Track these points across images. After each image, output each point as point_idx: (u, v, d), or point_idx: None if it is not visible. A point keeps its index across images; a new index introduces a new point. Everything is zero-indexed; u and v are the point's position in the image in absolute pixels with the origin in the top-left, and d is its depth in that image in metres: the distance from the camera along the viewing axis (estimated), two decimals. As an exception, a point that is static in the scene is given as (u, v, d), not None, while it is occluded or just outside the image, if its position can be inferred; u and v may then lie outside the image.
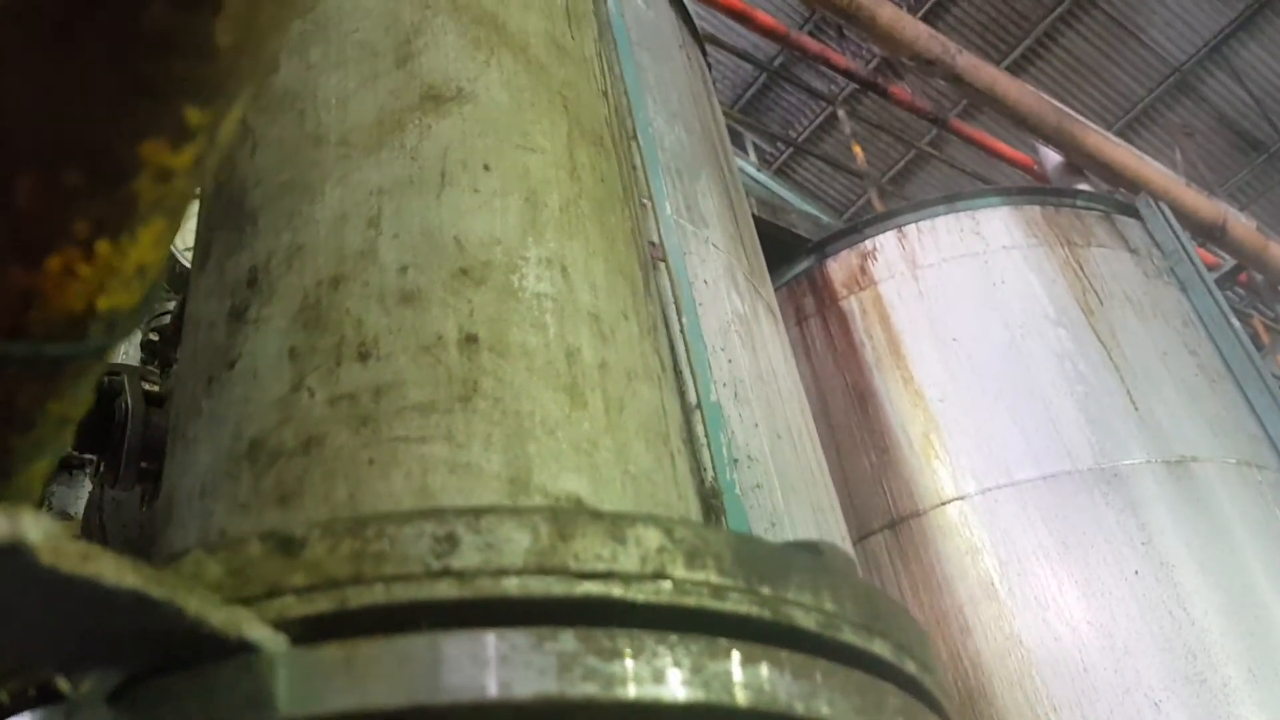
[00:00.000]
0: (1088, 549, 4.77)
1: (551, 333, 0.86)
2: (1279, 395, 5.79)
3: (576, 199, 0.98)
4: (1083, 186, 7.30)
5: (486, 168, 0.94)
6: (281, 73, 1.02)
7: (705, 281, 3.70)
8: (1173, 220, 6.27)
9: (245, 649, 0.56)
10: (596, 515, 0.62)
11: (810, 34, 10.72)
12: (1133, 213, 6.34)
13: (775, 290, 5.79)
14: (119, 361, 1.54)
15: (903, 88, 8.03)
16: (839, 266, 6.06)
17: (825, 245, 6.11)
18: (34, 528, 0.44)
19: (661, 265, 3.24)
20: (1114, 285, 5.79)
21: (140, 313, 0.58)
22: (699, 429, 2.82)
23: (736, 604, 0.62)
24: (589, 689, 0.57)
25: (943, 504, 5.16)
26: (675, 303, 3.09)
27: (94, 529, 1.29)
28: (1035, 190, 6.39)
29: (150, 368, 1.77)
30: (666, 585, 0.60)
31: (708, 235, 3.94)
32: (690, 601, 0.61)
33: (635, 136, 3.47)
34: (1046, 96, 7.48)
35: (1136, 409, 5.24)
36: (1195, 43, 12.20)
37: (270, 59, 0.56)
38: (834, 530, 3.51)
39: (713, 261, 3.86)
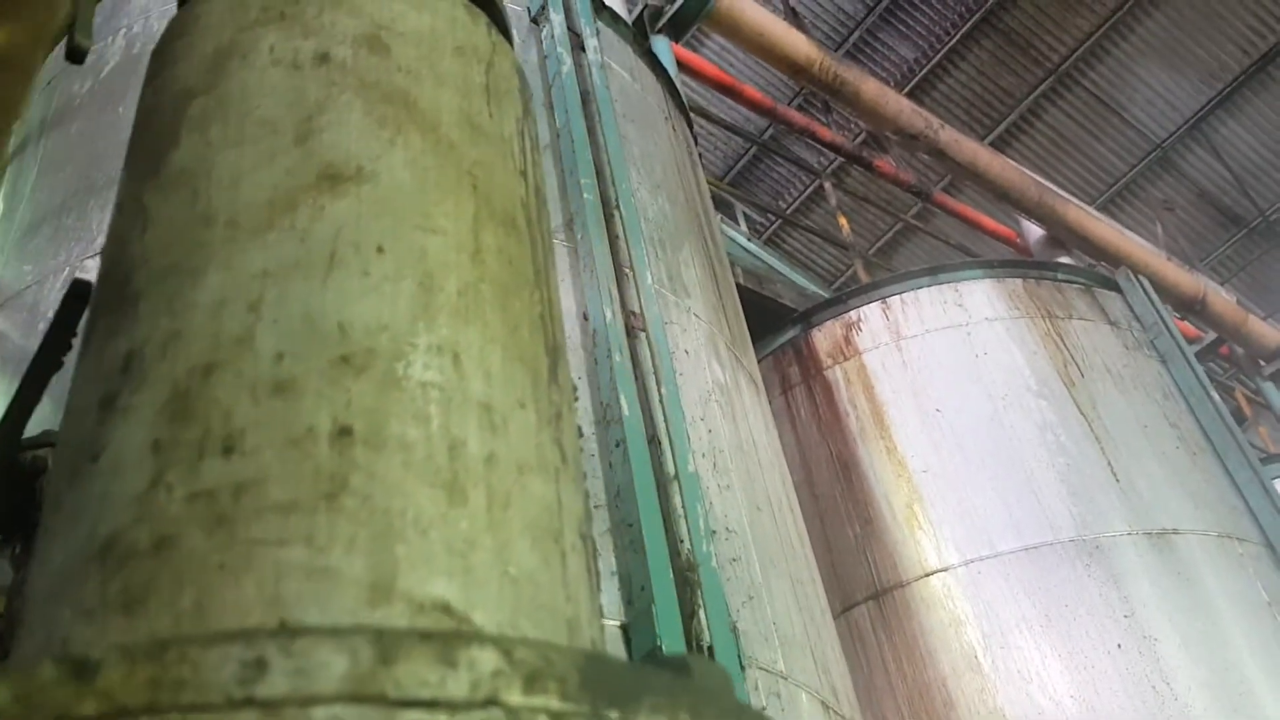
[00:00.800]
0: (1070, 622, 4.71)
1: (435, 424, 0.80)
2: (1259, 469, 5.74)
3: (477, 283, 0.93)
4: (1064, 260, 7.32)
5: (380, 250, 0.90)
6: (180, 149, 0.97)
7: (686, 351, 3.67)
8: (1153, 294, 6.27)
9: (15, 789, 0.50)
10: (426, 636, 0.56)
11: (798, 108, 10.85)
12: (1113, 286, 6.36)
13: (761, 359, 5.77)
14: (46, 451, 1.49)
15: (888, 161, 8.09)
16: (824, 336, 6.06)
17: (811, 315, 6.12)
18: None
19: (641, 335, 3.20)
20: (1095, 357, 5.79)
21: None
22: (676, 500, 2.77)
23: (577, 740, 0.56)
24: None
25: (926, 575, 5.10)
26: (655, 373, 3.05)
27: (15, 614, 1.22)
28: (1017, 263, 6.41)
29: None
30: (498, 714, 0.55)
31: (689, 305, 3.91)
32: (520, 729, 0.55)
33: (619, 207, 3.47)
34: (1028, 171, 7.53)
35: (1118, 481, 5.21)
36: (1176, 120, 12.35)
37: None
38: (814, 603, 3.43)
39: (694, 331, 3.83)
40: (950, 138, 6.80)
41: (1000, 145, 11.94)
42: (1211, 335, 8.38)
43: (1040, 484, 5.19)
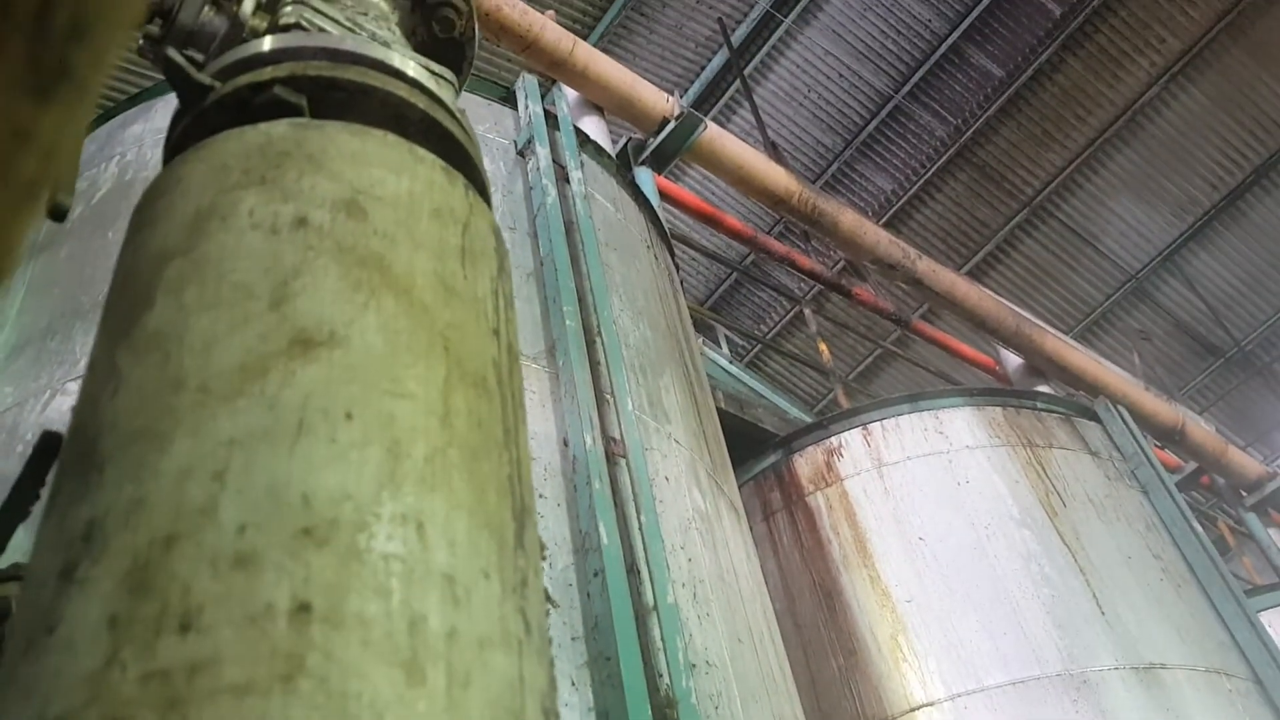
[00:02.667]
0: (1061, 760, 4.61)
1: (396, 599, 0.80)
2: (1244, 602, 5.71)
3: (445, 448, 0.93)
4: (1043, 388, 7.40)
5: (349, 416, 0.90)
6: (155, 311, 0.99)
7: (666, 478, 3.66)
8: (1131, 424, 6.32)
9: None
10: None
11: (778, 236, 11.07)
12: (1092, 416, 6.41)
13: (742, 484, 5.76)
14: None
15: (866, 289, 8.23)
16: (805, 462, 6.06)
17: (791, 441, 6.13)
18: None
19: (621, 462, 3.20)
20: (1076, 487, 5.80)
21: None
22: (655, 632, 2.72)
23: None
24: None
25: (912, 710, 5.01)
26: (635, 500, 3.03)
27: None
28: (997, 391, 6.47)
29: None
30: None
31: (670, 430, 3.92)
32: None
33: (600, 334, 3.50)
34: (1005, 301, 7.67)
35: (1103, 613, 5.16)
36: (1149, 251, 12.63)
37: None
38: (796, 740, 3.35)
39: (674, 457, 3.83)
40: (928, 268, 6.94)
41: (977, 275, 12.17)
42: (1192, 465, 8.42)
43: (1026, 616, 5.14)
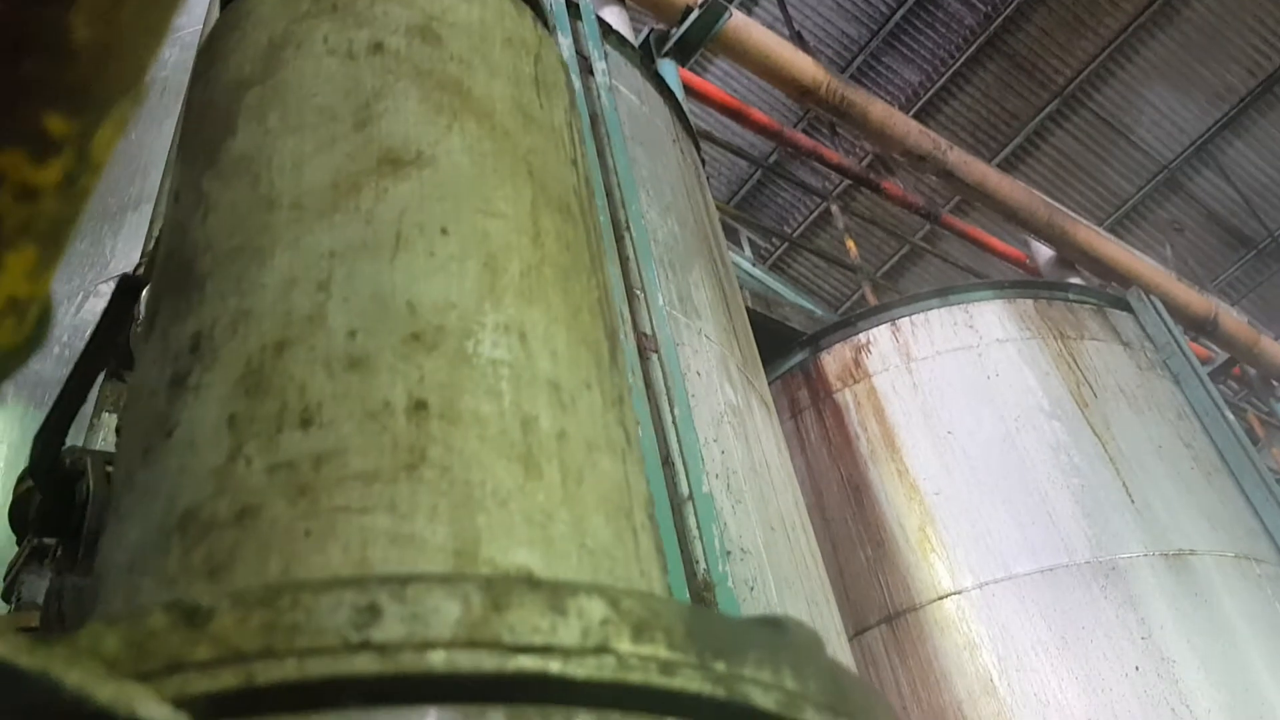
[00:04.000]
0: (1087, 644, 4.68)
1: (507, 400, 0.81)
2: (1275, 489, 5.74)
3: (539, 265, 0.94)
4: (1075, 281, 7.34)
5: (444, 231, 0.91)
6: (238, 137, 0.99)
7: (698, 373, 3.68)
8: (1164, 314, 6.29)
9: (133, 741, 0.51)
10: (535, 584, 0.57)
11: (804, 131, 10.92)
12: (1125, 306, 6.38)
13: (770, 383, 5.78)
14: (83, 446, 1.50)
15: (895, 183, 8.13)
16: (833, 360, 6.06)
17: (819, 339, 6.12)
18: None
19: (654, 356, 3.22)
20: (1108, 378, 5.79)
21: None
22: (691, 521, 2.77)
23: (687, 680, 0.57)
24: (519, 775, 0.52)
25: (940, 599, 5.08)
26: (667, 394, 3.06)
27: (53, 618, 1.22)
28: (1028, 284, 6.42)
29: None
30: (610, 660, 0.56)
31: (700, 327, 3.93)
32: (636, 678, 0.56)
33: (629, 229, 3.49)
34: (1037, 192, 7.57)
35: (1133, 502, 5.20)
36: (1183, 141, 12.42)
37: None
38: (829, 625, 3.42)
39: (705, 353, 3.84)
40: (959, 159, 6.84)
41: (1006, 168, 12.01)
42: (1223, 356, 8.40)
43: (1054, 506, 5.18)
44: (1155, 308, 6.37)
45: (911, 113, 11.69)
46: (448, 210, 0.96)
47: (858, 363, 6.02)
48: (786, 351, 6.25)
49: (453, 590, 0.57)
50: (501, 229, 0.98)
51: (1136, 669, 4.66)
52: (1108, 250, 7.38)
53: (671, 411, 3.18)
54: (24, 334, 0.53)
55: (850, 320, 6.14)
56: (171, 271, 1.00)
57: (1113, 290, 6.99)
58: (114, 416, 2.06)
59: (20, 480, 1.42)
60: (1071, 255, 7.41)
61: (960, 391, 5.62)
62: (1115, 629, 4.75)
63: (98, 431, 2.13)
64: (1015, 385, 5.65)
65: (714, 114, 7.36)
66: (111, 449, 1.68)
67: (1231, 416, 6.04)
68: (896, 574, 5.27)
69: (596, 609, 0.58)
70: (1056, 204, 7.60)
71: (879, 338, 6.03)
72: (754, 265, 8.30)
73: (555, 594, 0.58)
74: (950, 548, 5.19)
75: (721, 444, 3.51)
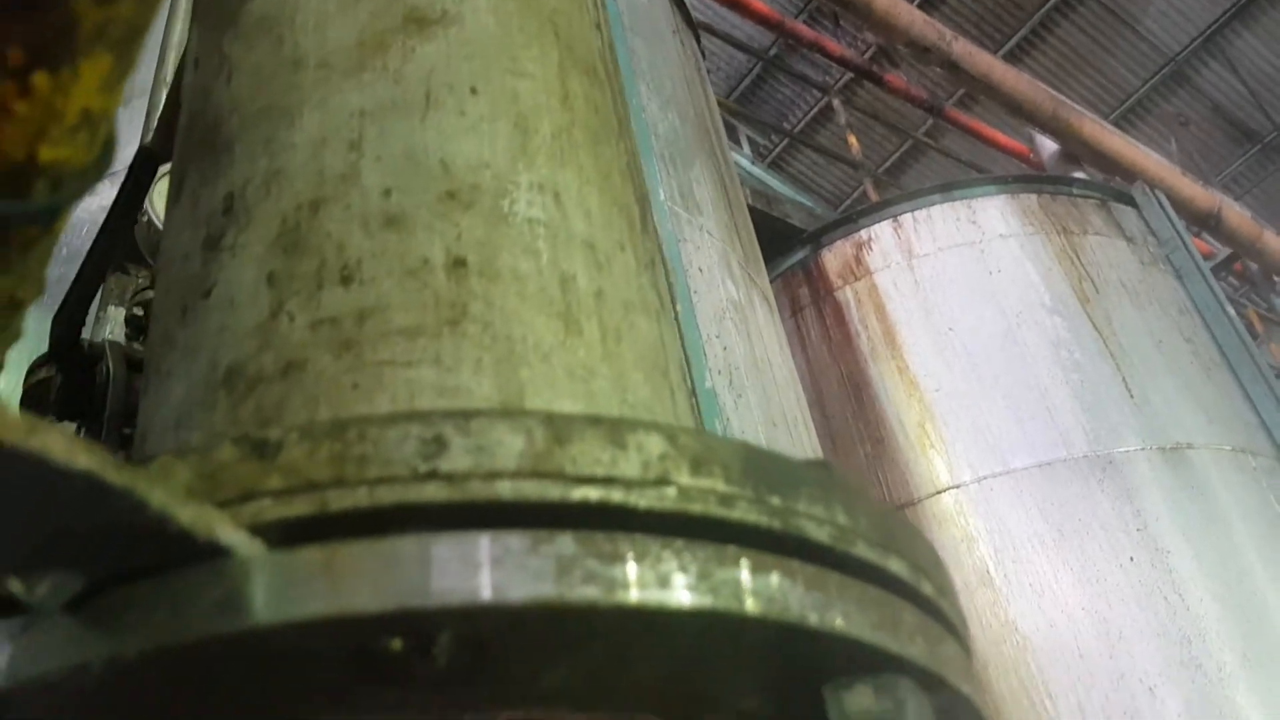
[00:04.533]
0: (1083, 536, 4.76)
1: (544, 259, 0.82)
2: (1274, 383, 5.79)
3: (569, 127, 0.94)
4: (1078, 175, 7.28)
5: (473, 91, 0.90)
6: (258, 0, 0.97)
7: (700, 269, 3.67)
8: (1169, 208, 6.26)
9: (216, 552, 0.52)
10: (594, 420, 0.58)
11: (805, 22, 10.70)
12: (1129, 201, 6.34)
13: (770, 281, 5.77)
14: (102, 339, 1.51)
15: (898, 76, 8.01)
16: (834, 257, 6.04)
17: (820, 235, 6.10)
18: (-29, 387, 0.39)
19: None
20: (1110, 273, 5.78)
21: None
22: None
23: (745, 513, 0.58)
24: (589, 593, 0.54)
25: (938, 493, 5.15)
26: (669, 289, 3.06)
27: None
28: (1031, 178, 6.37)
29: (135, 344, 1.72)
30: (670, 492, 0.57)
31: (702, 223, 3.91)
32: (696, 509, 0.57)
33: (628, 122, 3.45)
34: (1042, 85, 7.47)
35: (1132, 396, 5.23)
36: (1190, 33, 12.20)
37: None
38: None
39: (707, 249, 3.83)
40: (963, 50, 6.73)
41: (1011, 60, 11.80)
42: (1224, 253, 8.39)
43: (1054, 401, 5.21)
44: (1160, 202, 6.34)
45: (916, 2, 11.46)
46: (476, 70, 0.95)
47: (859, 260, 6.00)
48: (787, 249, 6.23)
49: (515, 424, 0.58)
50: (530, 90, 0.97)
51: (1131, 560, 4.74)
52: (1112, 144, 7.31)
53: (674, 308, 3.19)
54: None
55: (851, 217, 6.11)
56: (197, 136, 0.99)
57: (1117, 184, 6.94)
58: (120, 310, 2.06)
59: (30, 372, 1.43)
60: (1076, 149, 7.34)
61: (962, 288, 5.61)
62: (1111, 521, 4.82)
63: (104, 325, 2.13)
64: (1017, 281, 5.64)
65: (712, 5, 7.21)
66: (119, 341, 1.69)
67: (1233, 312, 6.06)
68: (895, 470, 5.33)
69: (655, 444, 0.59)
70: (1061, 97, 7.50)
71: (880, 234, 6.00)
72: (753, 163, 8.21)
73: (614, 429, 0.59)
74: (949, 443, 5.24)
75: (724, 340, 3.52)
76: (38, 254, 0.56)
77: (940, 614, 0.66)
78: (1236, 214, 8.04)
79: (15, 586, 0.52)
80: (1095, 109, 11.72)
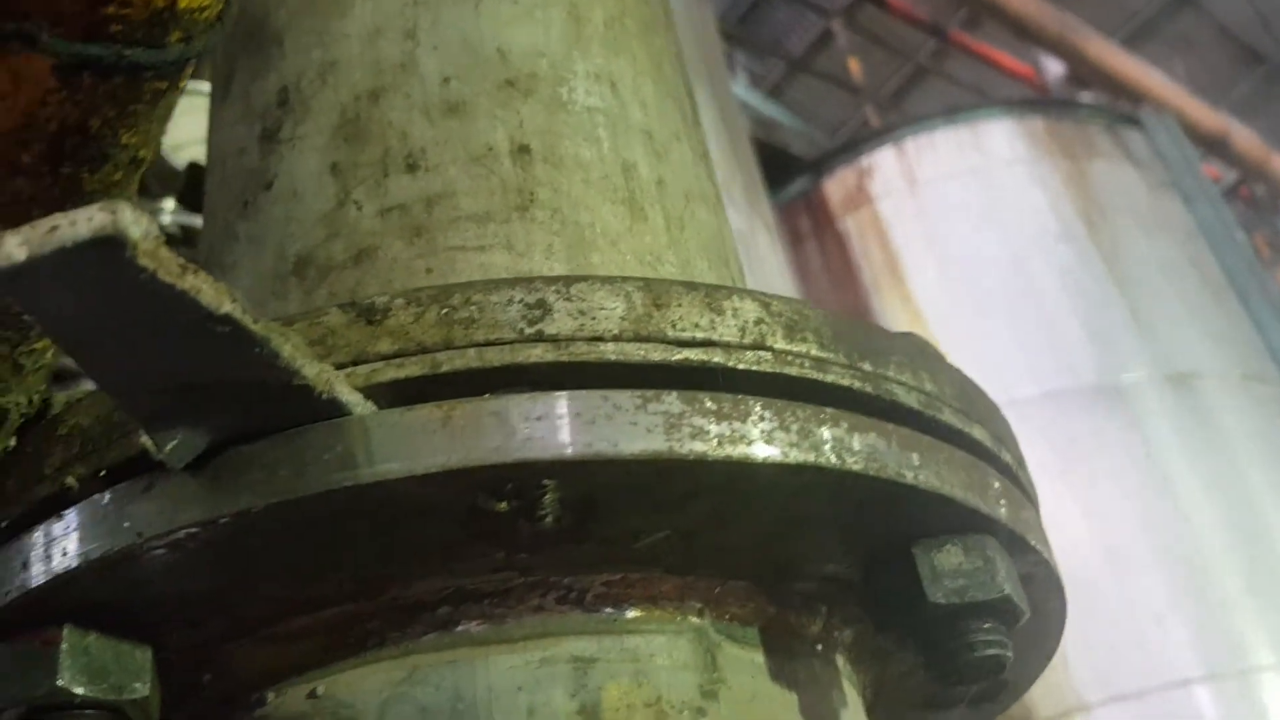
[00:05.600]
0: (1089, 465, 4.79)
1: (605, 146, 0.83)
2: (1282, 308, 5.81)
3: (620, 17, 0.95)
4: (1085, 99, 7.25)
5: (524, -22, 0.91)
6: (300, -107, 0.98)
7: (702, 195, 3.66)
8: (1177, 130, 6.23)
9: (335, 410, 0.55)
10: (690, 285, 0.60)
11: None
12: (1136, 124, 6.30)
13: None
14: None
15: (899, -2, 7.92)
16: (836, 186, 6.00)
17: (821, 163, 6.06)
18: (134, 223, 0.41)
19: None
20: (1118, 199, 5.77)
21: (214, 28, 0.55)
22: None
23: (839, 376, 0.61)
24: (698, 447, 0.56)
25: (943, 424, 5.17)
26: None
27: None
28: (1038, 102, 6.34)
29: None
30: (767, 355, 0.59)
31: (703, 148, 3.89)
32: (793, 372, 0.59)
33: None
34: (1048, 4, 7.40)
35: (1139, 324, 5.24)
36: (1197, -48, 12.06)
37: None
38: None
39: (710, 174, 3.81)
40: (969, -32, 6.65)
41: (1012, -17, 11.65)
42: (1231, 177, 8.39)
43: (1060, 329, 5.22)
44: (1168, 125, 6.32)
45: (914, -76, 11.27)
46: None
47: (860, 188, 5.97)
48: (786, 179, 6.18)
49: (615, 289, 0.60)
50: (579, -25, 0.97)
51: (1137, 488, 4.78)
52: (1119, 64, 7.27)
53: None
54: (220, 5, 0.54)
55: (853, 143, 6.07)
56: (243, 31, 1.00)
57: (1123, 108, 6.92)
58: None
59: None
60: (1082, 71, 7.30)
61: (966, 215, 5.60)
62: (1117, 450, 4.85)
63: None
64: (1023, 208, 5.62)
65: (710, -76, 7.08)
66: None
67: (1242, 236, 6.07)
68: (899, 401, 5.34)
69: (750, 309, 0.61)
70: (1067, 16, 7.44)
71: (882, 161, 5.96)
72: (749, 90, 8.15)
73: (710, 294, 0.61)
74: (953, 373, 5.25)
75: (729, 268, 3.52)
76: (161, 110, 0.57)
77: (1019, 482, 0.69)
78: (1244, 137, 8.03)
79: (146, 441, 0.54)
80: (1102, 30, 11.62)
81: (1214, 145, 7.82)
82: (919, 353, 0.67)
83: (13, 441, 0.64)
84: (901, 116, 7.39)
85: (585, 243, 0.81)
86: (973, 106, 6.07)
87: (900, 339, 0.68)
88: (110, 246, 0.41)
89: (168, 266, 0.43)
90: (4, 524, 0.62)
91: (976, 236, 5.51)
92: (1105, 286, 5.36)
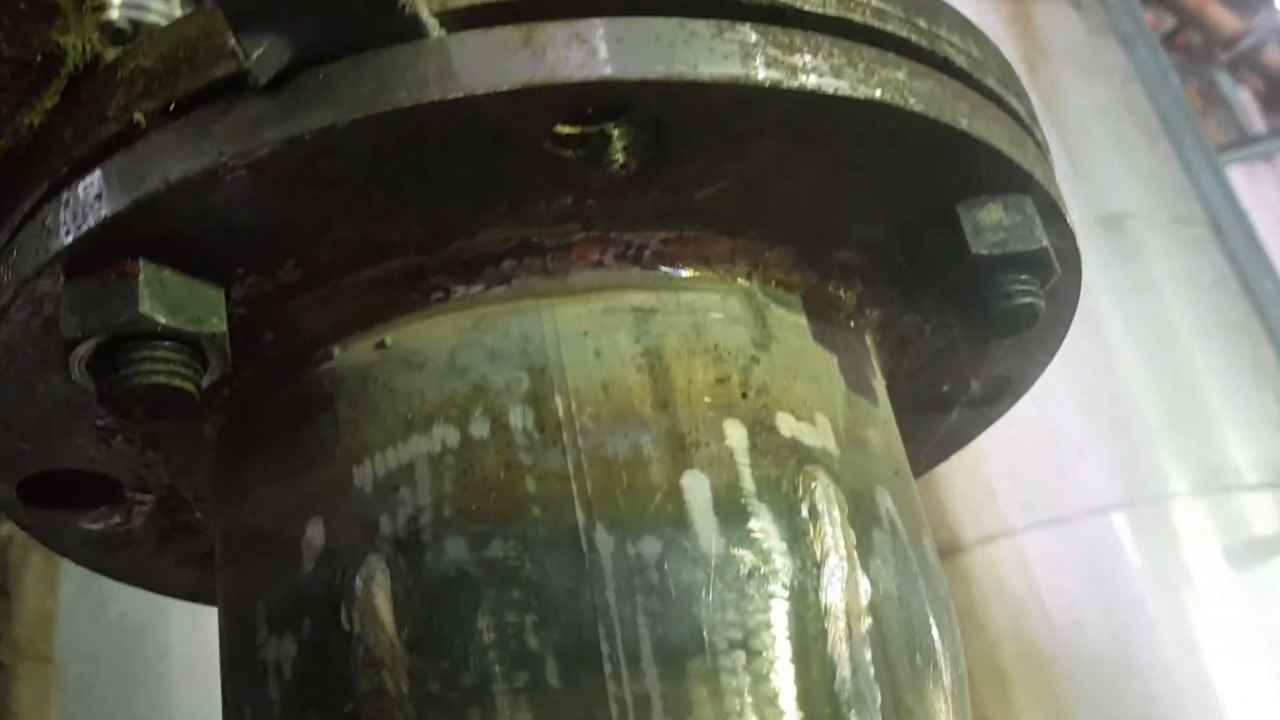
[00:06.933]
0: (1018, 302, 4.90)
1: None
2: (1213, 153, 5.93)
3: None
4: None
5: None
6: None
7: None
8: (1119, -29, 6.22)
9: (415, 30, 0.55)
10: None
11: None
12: (1078, -37, 6.27)
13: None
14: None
15: None
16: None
17: None
18: None
19: None
20: (1058, 39, 5.78)
21: None
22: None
23: (897, 27, 0.62)
24: (772, 75, 0.58)
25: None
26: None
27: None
28: (982, -62, 6.24)
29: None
30: (833, 1, 0.60)
31: None
32: (856, 18, 0.61)
33: None
34: None
35: (1074, 166, 5.32)
36: None
37: None
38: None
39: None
40: None
41: None
42: (1169, 24, 8.40)
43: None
44: (1110, -34, 6.30)
45: None
46: None
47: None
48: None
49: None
50: None
51: (1066, 325, 4.91)
52: (1065, -95, 7.16)
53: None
54: None
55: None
56: None
57: (1067, -50, 6.84)
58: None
59: None
60: (1026, -88, 7.18)
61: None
62: (1046, 288, 4.98)
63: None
64: (965, 49, 5.60)
65: None
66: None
67: (1176, 81, 6.14)
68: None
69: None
70: None
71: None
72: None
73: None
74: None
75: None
76: None
77: (1048, 159, 0.72)
78: (1183, -16, 8.03)
79: (235, 46, 0.54)
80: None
81: (1153, -10, 7.81)
82: (966, 22, 0.69)
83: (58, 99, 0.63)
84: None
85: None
86: (918, -58, 5.96)
87: (949, 7, 0.70)
88: None
89: None
90: (64, 169, 0.61)
91: (917, 78, 5.49)
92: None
